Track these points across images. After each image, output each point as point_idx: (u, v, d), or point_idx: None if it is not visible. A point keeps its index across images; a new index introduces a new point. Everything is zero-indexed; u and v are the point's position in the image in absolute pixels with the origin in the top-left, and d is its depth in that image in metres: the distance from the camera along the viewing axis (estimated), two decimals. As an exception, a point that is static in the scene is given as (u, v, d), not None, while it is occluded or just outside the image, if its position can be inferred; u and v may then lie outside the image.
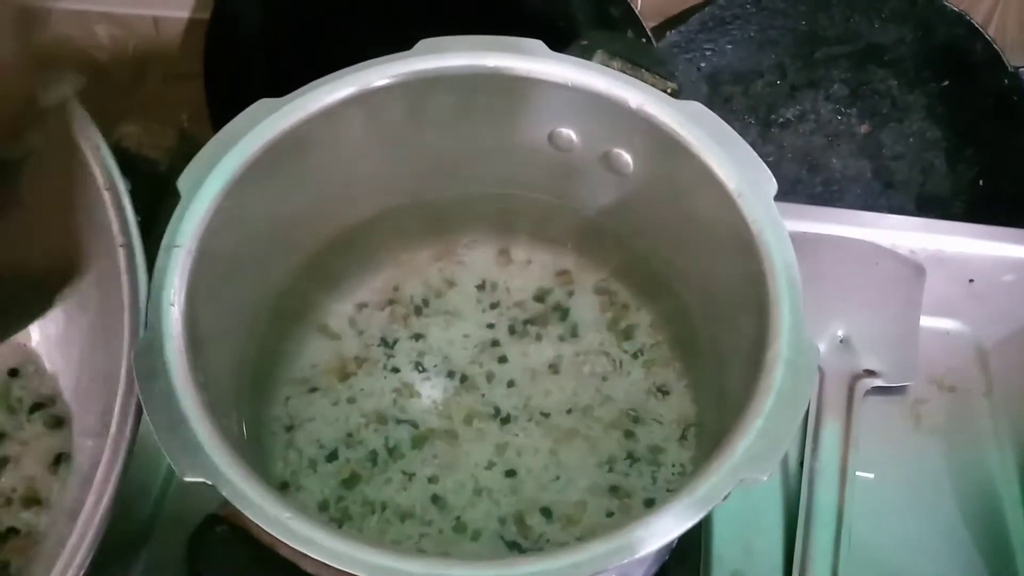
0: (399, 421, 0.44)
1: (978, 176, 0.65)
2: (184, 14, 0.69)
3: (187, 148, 0.67)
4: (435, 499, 0.42)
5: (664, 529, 0.31)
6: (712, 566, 0.47)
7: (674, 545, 0.44)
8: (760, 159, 0.39)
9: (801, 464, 0.50)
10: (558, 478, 0.43)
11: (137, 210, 0.63)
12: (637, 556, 0.30)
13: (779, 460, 0.32)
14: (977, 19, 0.62)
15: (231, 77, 0.67)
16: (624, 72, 0.42)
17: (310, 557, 0.30)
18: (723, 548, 0.48)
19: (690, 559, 0.46)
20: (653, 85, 0.42)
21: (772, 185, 0.39)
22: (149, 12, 0.69)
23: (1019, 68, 0.61)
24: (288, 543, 0.30)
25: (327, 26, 0.65)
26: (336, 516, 0.42)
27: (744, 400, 0.33)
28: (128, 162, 0.67)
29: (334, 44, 0.64)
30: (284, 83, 0.41)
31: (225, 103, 0.68)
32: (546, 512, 0.42)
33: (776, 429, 0.32)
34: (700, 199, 0.40)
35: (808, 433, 0.51)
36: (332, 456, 0.43)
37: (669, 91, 0.42)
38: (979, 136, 0.64)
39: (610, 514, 0.42)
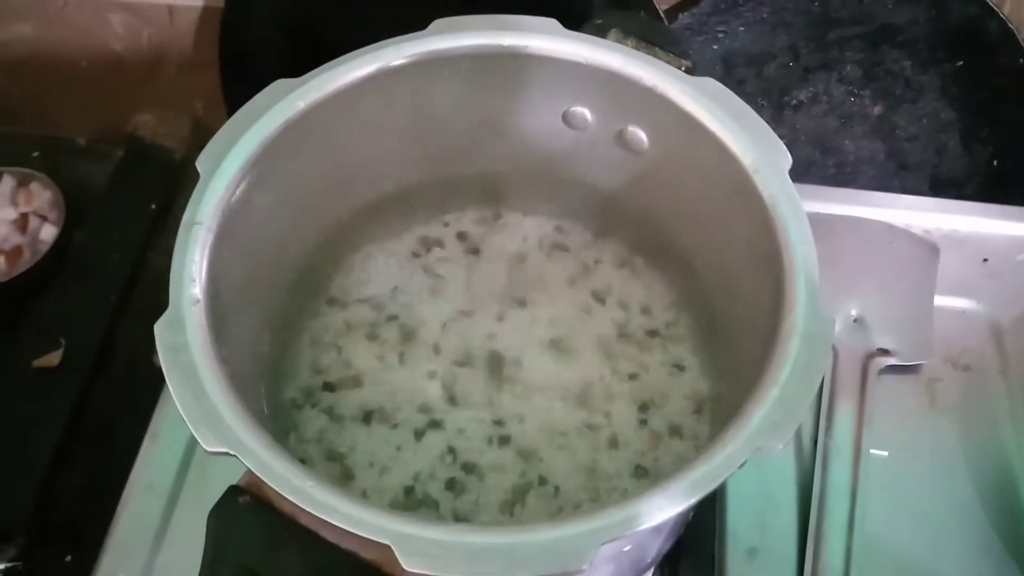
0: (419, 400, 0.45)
1: (992, 156, 0.64)
2: (198, 3, 0.69)
3: (202, 137, 0.67)
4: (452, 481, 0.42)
5: (681, 496, 0.30)
6: (727, 542, 0.47)
7: (689, 519, 0.44)
8: (775, 134, 0.39)
9: (815, 442, 0.50)
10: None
11: (152, 198, 0.64)
12: (654, 523, 0.30)
13: (795, 429, 0.32)
14: (991, -2, 0.61)
15: (246, 65, 0.68)
16: (638, 51, 0.43)
17: (332, 525, 0.30)
18: (738, 525, 0.48)
19: (705, 535, 0.46)
20: (668, 63, 0.42)
21: (787, 159, 0.39)
22: (164, 1, 0.70)
23: (1034, 47, 0.61)
24: (311, 511, 0.30)
25: (340, 12, 0.65)
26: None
27: (760, 371, 0.33)
28: (143, 151, 0.68)
29: (347, 29, 0.64)
30: (298, 70, 0.41)
31: (240, 91, 0.68)
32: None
33: (792, 398, 0.32)
34: (715, 175, 0.40)
35: (822, 411, 0.51)
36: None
37: (684, 69, 0.42)
38: (994, 116, 0.64)
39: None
